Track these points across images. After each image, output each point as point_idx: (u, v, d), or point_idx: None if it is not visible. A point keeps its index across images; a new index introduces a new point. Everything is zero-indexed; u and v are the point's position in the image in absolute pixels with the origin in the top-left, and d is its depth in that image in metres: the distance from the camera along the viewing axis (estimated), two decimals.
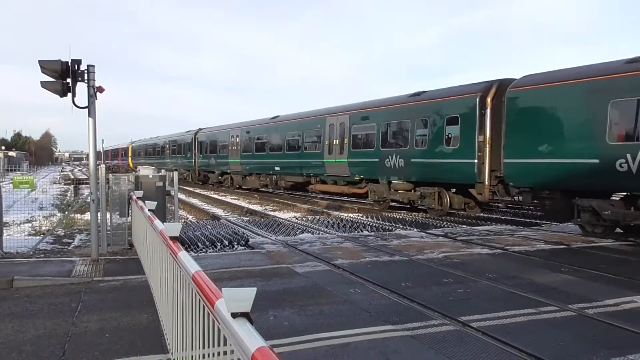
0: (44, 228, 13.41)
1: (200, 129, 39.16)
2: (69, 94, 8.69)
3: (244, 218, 17.69)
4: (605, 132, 11.21)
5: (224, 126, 35.30)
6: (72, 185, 30.36)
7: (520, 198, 14.66)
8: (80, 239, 11.90)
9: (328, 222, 15.53)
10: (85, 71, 8.73)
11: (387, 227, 14.50)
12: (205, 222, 16.10)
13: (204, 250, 10.42)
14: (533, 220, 16.16)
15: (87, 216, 11.91)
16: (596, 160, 11.38)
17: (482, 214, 17.86)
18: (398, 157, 18.07)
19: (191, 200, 26.30)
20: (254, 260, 9.11)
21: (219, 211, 21.28)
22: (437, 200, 17.05)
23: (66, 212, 14.39)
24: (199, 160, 38.10)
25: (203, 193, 30.52)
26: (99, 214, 9.39)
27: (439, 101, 16.85)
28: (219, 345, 2.39)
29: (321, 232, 13.26)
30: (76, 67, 8.66)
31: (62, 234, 12.75)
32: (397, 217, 17.13)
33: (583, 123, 11.85)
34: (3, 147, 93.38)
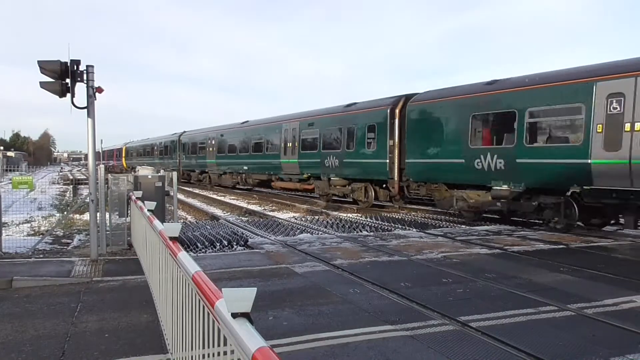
0: (43, 228, 13.40)
1: (184, 132, 43.09)
2: (68, 95, 8.69)
3: (243, 218, 17.69)
4: (468, 139, 15.06)
5: (203, 129, 39.63)
6: (71, 186, 30.32)
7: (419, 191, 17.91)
8: (80, 239, 11.89)
9: (327, 222, 15.53)
10: (85, 71, 8.73)
11: (386, 227, 14.50)
12: (204, 222, 16.10)
13: (203, 250, 10.43)
14: (531, 221, 16.18)
15: (86, 216, 11.91)
16: (462, 160, 15.27)
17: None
18: (334, 157, 21.63)
19: (190, 200, 26.30)
20: (253, 261, 9.12)
21: (218, 211, 21.28)
22: (364, 193, 20.56)
23: (65, 213, 14.38)
24: (182, 160, 42.29)
25: (202, 193, 30.52)
26: (98, 214, 9.38)
27: (362, 112, 20.36)
28: (219, 345, 2.39)
29: (320, 232, 13.26)
30: (75, 68, 8.65)
31: (61, 234, 12.74)
32: (396, 217, 17.14)
33: (454, 131, 15.70)
34: (2, 148, 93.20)
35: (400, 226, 14.80)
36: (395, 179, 18.32)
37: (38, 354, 4.78)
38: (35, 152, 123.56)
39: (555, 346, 5.02)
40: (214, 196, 28.15)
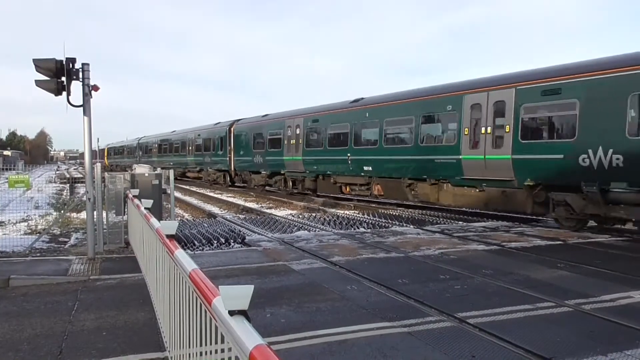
0: (39, 227, 13.36)
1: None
2: (64, 93, 8.65)
3: (240, 216, 17.69)
4: (256, 147, 27.45)
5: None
6: (68, 184, 30.21)
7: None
8: (77, 238, 11.86)
9: (324, 219, 15.54)
10: (80, 69, 8.69)
11: (383, 224, 14.51)
12: (201, 220, 16.08)
13: (200, 248, 10.42)
14: (529, 217, 16.24)
15: (83, 215, 11.88)
16: (250, 158, 28.03)
17: (478, 210, 17.92)
18: (209, 157, 34.86)
19: (187, 198, 26.25)
20: (250, 258, 9.11)
21: (215, 209, 21.26)
22: (223, 178, 33.53)
23: (62, 211, 14.34)
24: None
25: (199, 191, 30.48)
26: (95, 212, 9.36)
27: (216, 129, 33.74)
28: (216, 342, 2.39)
29: (317, 230, 13.26)
30: (71, 66, 8.62)
31: (58, 232, 12.70)
32: (394, 213, 17.16)
33: (250, 142, 28.44)
34: None
35: (397, 223, 14.82)
36: (232, 170, 31.10)
37: (36, 353, 4.77)
38: (31, 151, 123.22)
39: (553, 342, 5.03)
40: (211, 194, 28.12)
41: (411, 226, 13.86)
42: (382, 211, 18.03)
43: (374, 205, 20.86)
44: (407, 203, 20.68)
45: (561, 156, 11.97)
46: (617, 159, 10.80)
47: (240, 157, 29.58)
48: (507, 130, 13.28)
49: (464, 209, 17.42)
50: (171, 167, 33.75)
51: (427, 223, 14.59)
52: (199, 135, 36.66)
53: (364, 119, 19.28)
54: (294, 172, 24.26)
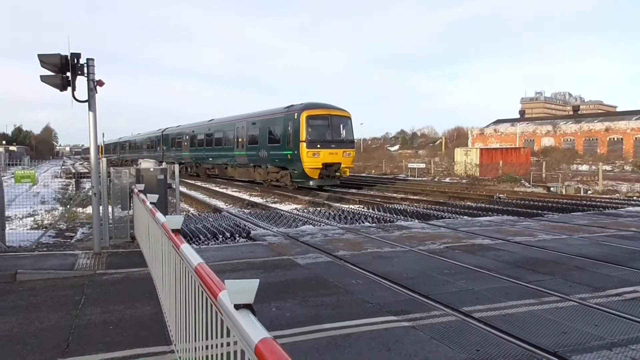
0: (46, 222, 13.42)
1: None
2: (69, 88, 8.67)
3: (245, 210, 17.71)
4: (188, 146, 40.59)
5: (144, 133, 55.57)
6: (74, 179, 30.35)
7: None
8: (83, 233, 11.93)
9: (329, 213, 15.54)
10: (85, 65, 8.70)
11: (388, 219, 14.51)
12: (206, 214, 16.13)
13: (205, 242, 10.45)
14: (535, 211, 16.19)
15: (89, 210, 11.93)
16: (187, 153, 40.80)
17: (483, 205, 17.91)
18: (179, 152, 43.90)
19: (192, 193, 26.32)
20: (255, 252, 9.14)
21: (220, 204, 21.31)
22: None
23: (68, 206, 14.39)
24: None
25: (204, 186, 30.55)
26: (100, 207, 9.41)
27: (153, 135, 51.73)
28: (222, 336, 2.40)
29: (322, 224, 13.27)
30: (75, 61, 8.62)
31: (64, 227, 12.77)
32: (399, 208, 17.15)
33: (173, 143, 44.65)
34: (4, 142, 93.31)
35: (402, 217, 14.81)
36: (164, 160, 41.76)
37: (43, 346, 4.81)
38: (37, 146, 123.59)
39: (558, 336, 5.03)
40: (216, 188, 28.17)
41: (416, 220, 13.85)
42: (387, 205, 18.03)
43: (378, 199, 20.86)
44: (413, 198, 21.08)
45: (260, 152, 28.15)
46: (264, 155, 27.67)
47: (171, 152, 44.63)
48: (244, 140, 30.06)
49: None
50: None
51: (432, 217, 14.58)
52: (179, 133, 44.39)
53: (211, 131, 35.92)
54: (188, 162, 40.53)
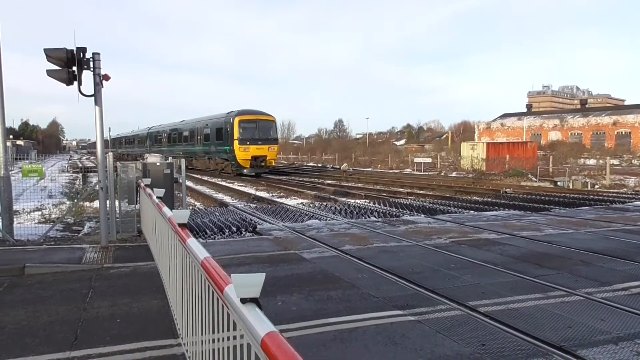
0: (53, 216, 13.51)
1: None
2: (75, 82, 8.70)
3: (251, 205, 17.75)
4: (171, 142, 48.17)
5: (136, 131, 64.26)
6: (81, 174, 30.51)
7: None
8: (90, 227, 12.00)
9: (335, 208, 15.55)
10: (91, 59, 8.73)
11: (394, 213, 14.49)
12: (213, 209, 16.17)
13: (212, 236, 10.49)
14: (541, 206, 16.13)
15: (96, 204, 12.00)
16: (166, 148, 47.50)
17: (490, 199, 17.85)
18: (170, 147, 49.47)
19: (199, 187, 26.40)
20: (261, 247, 9.17)
21: (226, 198, 21.35)
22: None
23: (75, 200, 14.48)
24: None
25: (210, 180, 30.62)
26: (107, 201, 9.46)
27: (142, 132, 61.34)
28: (228, 330, 2.41)
29: (328, 219, 13.28)
30: (81, 55, 8.65)
31: (72, 221, 12.85)
32: (405, 202, 17.13)
33: (154, 140, 54.24)
34: (11, 136, 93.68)
35: (408, 212, 14.79)
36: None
37: (52, 339, 4.86)
38: (44, 141, 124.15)
39: (564, 330, 5.02)
40: (223, 183, 28.25)
41: (422, 215, 13.84)
42: (393, 200, 18.01)
43: (384, 194, 20.84)
44: (419, 192, 21.10)
45: (211, 147, 36.11)
46: (213, 150, 36.22)
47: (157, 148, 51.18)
48: (201, 138, 37.53)
49: (420, 191, 17.32)
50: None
51: (439, 212, 14.55)
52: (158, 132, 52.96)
53: (181, 130, 44.23)
54: (167, 155, 56.49)
